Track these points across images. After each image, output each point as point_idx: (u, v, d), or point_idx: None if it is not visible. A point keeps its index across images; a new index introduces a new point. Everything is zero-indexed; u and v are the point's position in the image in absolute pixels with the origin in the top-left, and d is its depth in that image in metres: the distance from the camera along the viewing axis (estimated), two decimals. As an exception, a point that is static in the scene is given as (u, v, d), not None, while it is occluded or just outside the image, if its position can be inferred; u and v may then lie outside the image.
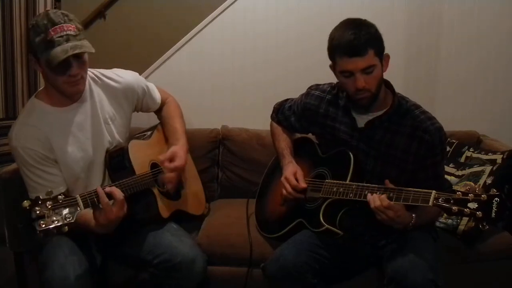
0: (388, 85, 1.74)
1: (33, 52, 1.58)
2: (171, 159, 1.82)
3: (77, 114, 1.72)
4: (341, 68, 1.62)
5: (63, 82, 1.60)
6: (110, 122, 1.80)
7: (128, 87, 1.87)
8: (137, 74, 1.97)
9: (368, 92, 1.62)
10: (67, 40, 1.54)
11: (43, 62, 1.56)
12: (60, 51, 1.52)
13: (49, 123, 1.66)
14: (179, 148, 1.88)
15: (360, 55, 1.55)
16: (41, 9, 2.33)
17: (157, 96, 2.02)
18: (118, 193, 1.53)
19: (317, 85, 1.92)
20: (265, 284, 1.79)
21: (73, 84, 1.62)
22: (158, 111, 2.07)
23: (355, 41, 1.55)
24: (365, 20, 1.62)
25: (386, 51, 1.65)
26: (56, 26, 1.53)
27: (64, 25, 1.54)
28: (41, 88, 1.76)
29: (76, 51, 1.54)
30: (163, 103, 2.06)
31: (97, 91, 1.78)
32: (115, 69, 1.89)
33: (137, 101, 1.93)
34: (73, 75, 1.59)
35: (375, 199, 1.54)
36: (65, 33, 1.54)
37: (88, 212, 1.54)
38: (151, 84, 2.02)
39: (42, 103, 1.68)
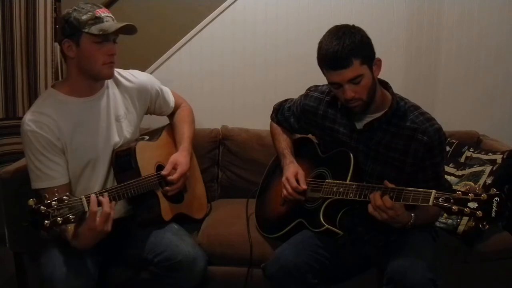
0: (386, 86, 1.73)
1: (74, 31, 1.59)
2: (174, 168, 1.83)
3: (92, 107, 1.73)
4: (329, 80, 1.62)
5: (103, 62, 1.63)
6: (121, 120, 1.81)
7: (142, 87, 1.89)
8: (152, 76, 2.01)
9: (359, 100, 1.61)
10: (113, 20, 1.64)
11: (87, 37, 1.59)
12: (114, 24, 1.62)
13: (62, 113, 1.66)
14: (178, 155, 1.88)
15: (345, 67, 1.53)
16: (41, 9, 2.33)
17: (171, 99, 2.04)
18: (107, 205, 1.53)
19: (316, 86, 1.91)
20: (265, 284, 1.79)
21: (110, 65, 1.66)
22: (171, 115, 2.08)
23: (338, 53, 1.52)
24: (352, 27, 1.59)
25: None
26: (102, 8, 1.64)
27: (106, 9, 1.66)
28: (59, 80, 1.76)
29: (130, 23, 1.64)
30: (176, 108, 2.08)
31: (113, 88, 1.80)
32: (131, 69, 1.92)
33: (150, 103, 1.94)
34: (113, 53, 1.65)
35: (377, 199, 1.55)
36: (110, 15, 1.65)
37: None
38: (166, 88, 2.04)
39: (58, 92, 1.69)
